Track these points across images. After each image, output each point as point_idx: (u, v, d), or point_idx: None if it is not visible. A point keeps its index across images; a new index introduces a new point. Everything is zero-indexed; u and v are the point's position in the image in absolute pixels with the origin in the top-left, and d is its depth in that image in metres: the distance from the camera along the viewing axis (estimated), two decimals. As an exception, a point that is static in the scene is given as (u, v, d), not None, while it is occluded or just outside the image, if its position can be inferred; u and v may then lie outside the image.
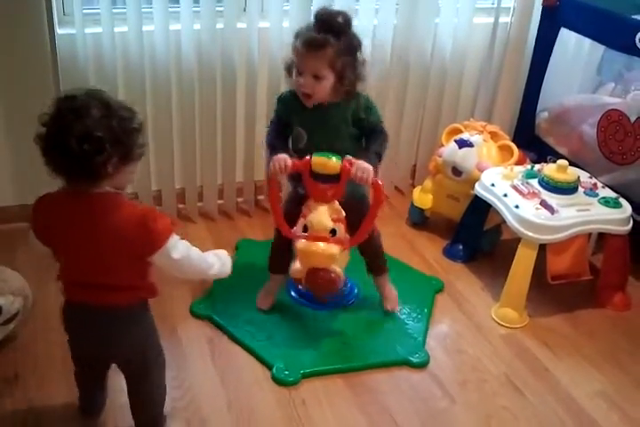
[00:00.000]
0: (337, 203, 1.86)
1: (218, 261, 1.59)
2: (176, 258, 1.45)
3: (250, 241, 2.48)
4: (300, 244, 1.85)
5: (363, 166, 1.79)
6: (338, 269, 1.87)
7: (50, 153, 1.35)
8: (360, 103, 1.88)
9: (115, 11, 2.18)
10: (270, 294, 2.13)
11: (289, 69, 1.87)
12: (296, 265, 1.90)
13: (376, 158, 1.86)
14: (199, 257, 1.53)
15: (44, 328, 1.98)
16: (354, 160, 1.79)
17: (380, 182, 1.82)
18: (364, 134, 1.92)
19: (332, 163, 1.79)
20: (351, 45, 1.81)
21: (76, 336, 1.58)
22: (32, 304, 1.94)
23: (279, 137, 1.93)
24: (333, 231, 1.83)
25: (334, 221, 1.83)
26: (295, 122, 1.93)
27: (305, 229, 1.85)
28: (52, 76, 2.21)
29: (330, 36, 1.77)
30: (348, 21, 1.80)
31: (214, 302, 2.13)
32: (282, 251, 2.04)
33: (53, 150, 1.34)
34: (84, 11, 2.17)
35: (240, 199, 2.68)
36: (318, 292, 1.96)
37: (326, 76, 1.81)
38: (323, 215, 1.82)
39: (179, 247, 1.45)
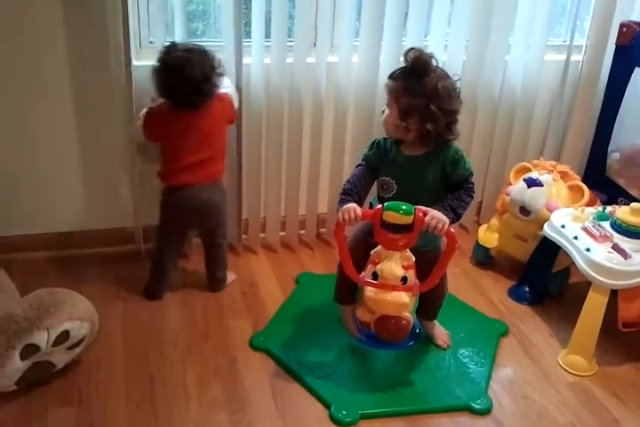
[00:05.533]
0: (408, 250, 1.82)
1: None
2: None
3: (310, 275, 2.47)
4: (371, 292, 1.81)
5: (437, 215, 1.76)
6: (409, 315, 1.83)
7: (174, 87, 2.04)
8: (448, 155, 1.86)
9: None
10: (353, 322, 2.09)
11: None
12: (364, 309, 1.87)
13: (451, 213, 1.82)
14: (233, 88, 2.25)
15: (108, 354, 2.01)
16: (427, 209, 1.77)
17: (453, 232, 1.78)
18: (449, 189, 1.89)
19: (405, 213, 1.76)
20: (425, 89, 1.78)
21: (179, 211, 2.18)
22: (97, 330, 1.96)
23: (358, 184, 1.91)
24: (404, 279, 1.80)
25: (405, 268, 1.79)
26: (385, 171, 1.93)
27: (374, 275, 1.82)
28: (127, 104, 2.27)
29: (405, 72, 1.82)
30: (424, 64, 1.79)
31: (274, 335, 2.12)
32: (349, 283, 1.97)
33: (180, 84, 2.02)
34: (156, 44, 2.22)
35: (302, 231, 2.68)
36: (387, 337, 1.91)
37: (390, 106, 1.84)
38: (394, 264, 1.78)
39: (234, 100, 2.22)
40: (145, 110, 2.15)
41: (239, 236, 2.58)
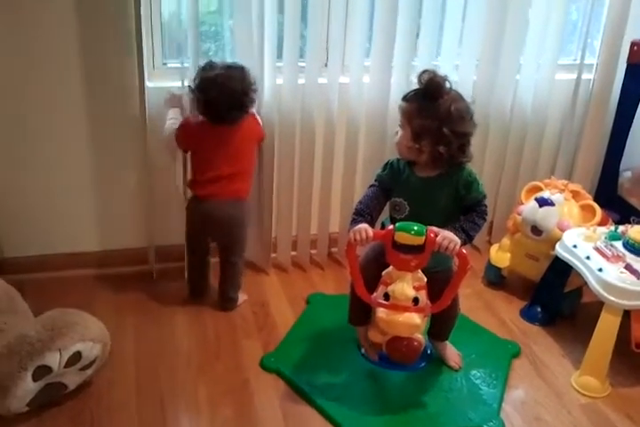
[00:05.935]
0: (419, 271, 1.82)
1: None
2: None
3: (321, 295, 2.46)
4: (382, 313, 1.81)
5: (448, 236, 1.76)
6: (420, 336, 1.83)
7: (214, 105, 2.10)
8: (461, 178, 1.86)
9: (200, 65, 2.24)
10: (367, 343, 2.08)
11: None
12: (376, 331, 1.87)
13: (462, 234, 1.81)
14: None
15: (120, 375, 2.01)
16: (438, 230, 1.76)
17: (465, 253, 1.78)
18: (462, 211, 1.89)
19: (416, 233, 1.76)
20: (438, 112, 1.78)
21: (199, 220, 2.25)
22: (109, 351, 1.96)
23: (371, 204, 1.92)
24: (416, 300, 1.80)
25: (416, 289, 1.79)
26: (397, 192, 1.93)
27: (386, 296, 1.82)
28: (141, 125, 2.30)
29: (419, 94, 1.82)
30: (437, 86, 1.80)
31: (285, 356, 2.11)
32: (362, 304, 1.96)
33: (219, 102, 2.09)
34: (170, 65, 2.30)
35: (313, 251, 2.68)
36: (399, 359, 1.91)
37: (403, 127, 1.84)
38: (405, 285, 1.79)
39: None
40: (181, 119, 2.22)
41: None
